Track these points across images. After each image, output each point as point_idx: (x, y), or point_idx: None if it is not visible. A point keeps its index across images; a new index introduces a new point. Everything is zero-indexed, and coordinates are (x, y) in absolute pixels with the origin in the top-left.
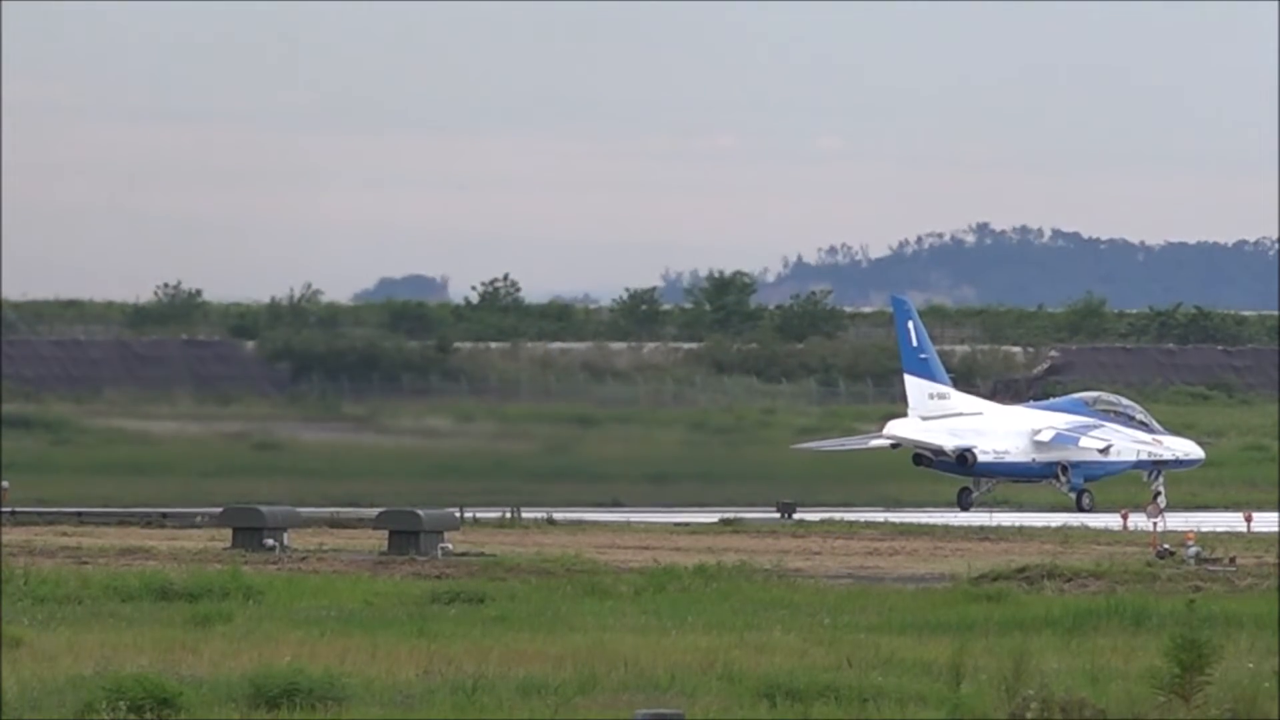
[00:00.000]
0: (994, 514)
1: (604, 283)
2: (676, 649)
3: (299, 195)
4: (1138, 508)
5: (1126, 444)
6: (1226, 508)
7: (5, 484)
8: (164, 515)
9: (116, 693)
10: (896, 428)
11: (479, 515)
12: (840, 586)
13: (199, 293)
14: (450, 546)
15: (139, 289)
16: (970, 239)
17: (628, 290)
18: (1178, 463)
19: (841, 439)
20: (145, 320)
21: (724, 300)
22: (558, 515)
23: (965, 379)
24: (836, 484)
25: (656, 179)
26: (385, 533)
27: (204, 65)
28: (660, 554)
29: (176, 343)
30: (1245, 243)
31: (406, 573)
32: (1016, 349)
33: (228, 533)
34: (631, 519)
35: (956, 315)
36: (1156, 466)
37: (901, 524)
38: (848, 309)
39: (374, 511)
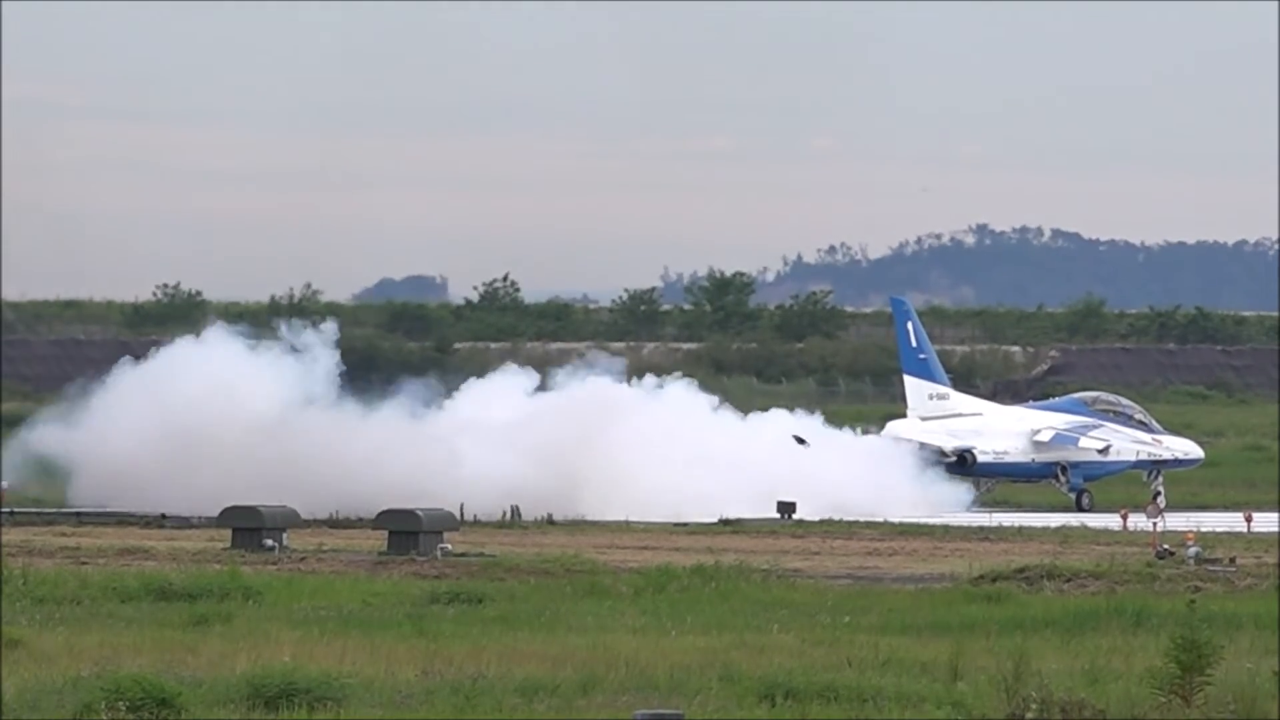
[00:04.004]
0: (993, 514)
1: (603, 283)
2: (676, 649)
3: (299, 195)
4: (1137, 508)
5: (1126, 444)
6: (1226, 508)
7: (5, 484)
8: (163, 516)
9: (115, 693)
10: (896, 428)
11: (478, 515)
12: (839, 587)
13: (199, 293)
14: (450, 547)
15: (138, 289)
16: (970, 239)
17: (627, 290)
18: (1177, 462)
19: None
20: (144, 320)
21: (723, 300)
22: (557, 515)
23: (965, 379)
24: None
25: (656, 179)
26: (385, 533)
27: (204, 66)
28: (660, 554)
29: None
30: (1245, 243)
31: (406, 573)
32: (1016, 349)
33: (227, 533)
34: (631, 519)
35: (956, 315)
36: (1156, 466)
37: (901, 524)
38: (847, 309)
39: (373, 511)
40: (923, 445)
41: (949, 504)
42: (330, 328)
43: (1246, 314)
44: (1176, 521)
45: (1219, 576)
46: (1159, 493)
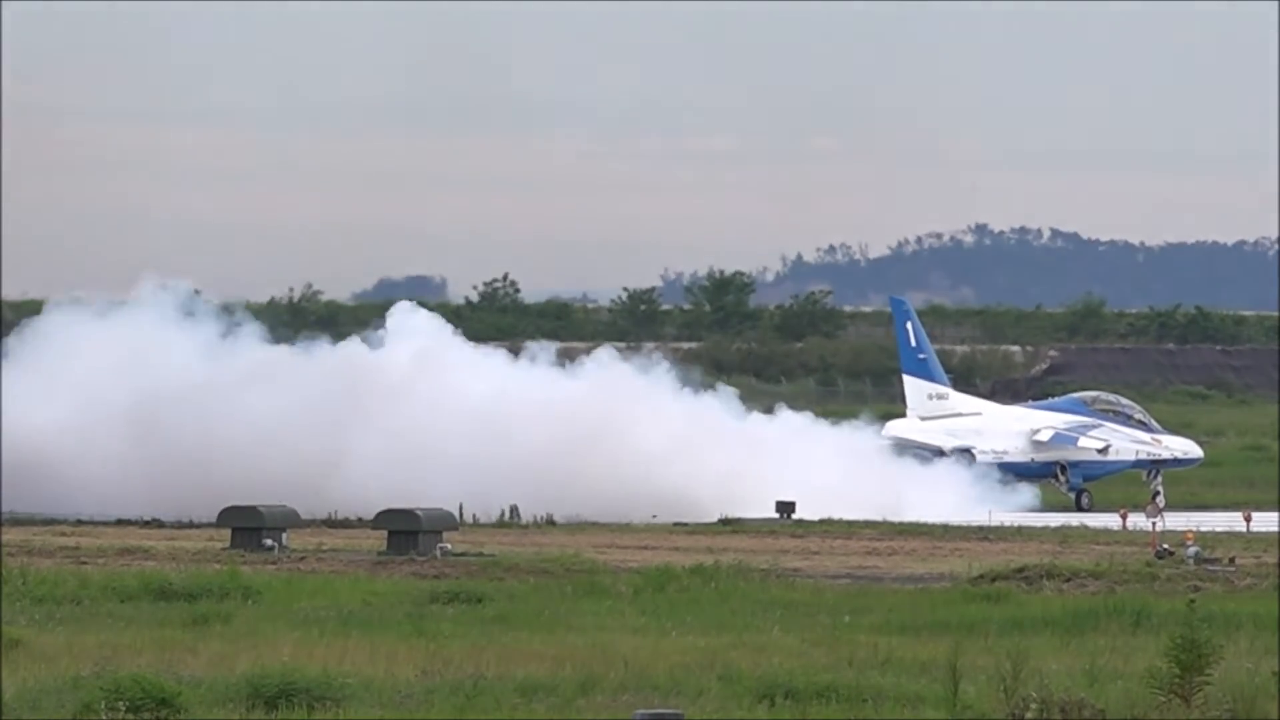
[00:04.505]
0: (993, 514)
1: (603, 283)
2: (675, 649)
3: (299, 195)
4: (1137, 507)
5: (1125, 444)
6: (1226, 508)
7: None
8: None
9: (115, 693)
10: (895, 428)
11: (478, 515)
12: (839, 586)
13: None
14: (449, 546)
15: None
16: (969, 239)
17: (627, 290)
18: (1176, 462)
19: None
20: None
21: (723, 300)
22: (557, 515)
23: (964, 379)
24: None
25: (656, 179)
26: (384, 533)
27: (204, 66)
28: (659, 554)
29: None
30: (1245, 243)
31: (405, 573)
32: (1015, 349)
33: (226, 533)
34: (631, 519)
35: (956, 315)
36: (1155, 466)
37: (900, 524)
38: (847, 309)
39: (373, 511)
40: (921, 445)
41: (1014, 506)
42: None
43: (1246, 314)
44: (1176, 521)
45: (1218, 576)
46: (1158, 492)
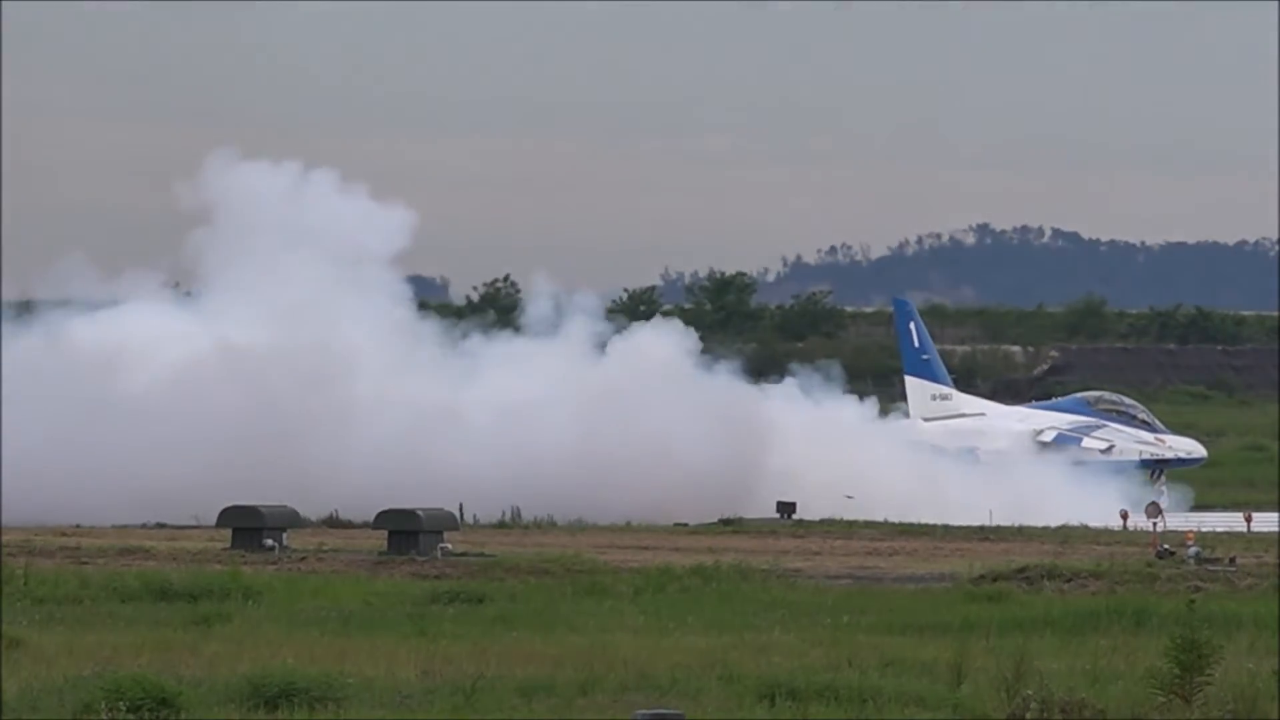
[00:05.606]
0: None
1: (603, 283)
2: (676, 649)
3: None
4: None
5: (1129, 444)
6: (1226, 508)
7: None
8: None
9: (115, 693)
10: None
11: (478, 515)
12: (840, 587)
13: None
14: (450, 547)
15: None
16: (970, 239)
17: (627, 290)
18: (1180, 461)
19: None
20: None
21: (724, 300)
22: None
23: (966, 379)
24: None
25: (656, 179)
26: (384, 533)
27: (203, 66)
28: (660, 554)
29: None
30: (1245, 243)
31: (406, 573)
32: (1017, 349)
33: (227, 533)
34: (631, 519)
35: (957, 315)
36: (1159, 466)
37: (901, 524)
38: (848, 309)
39: (373, 512)
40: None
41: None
42: None
43: (1246, 314)
44: (1176, 521)
45: (1219, 576)
46: (1161, 492)
